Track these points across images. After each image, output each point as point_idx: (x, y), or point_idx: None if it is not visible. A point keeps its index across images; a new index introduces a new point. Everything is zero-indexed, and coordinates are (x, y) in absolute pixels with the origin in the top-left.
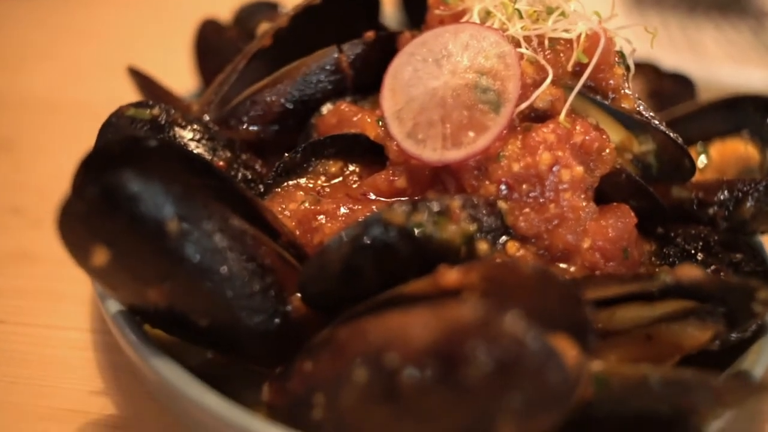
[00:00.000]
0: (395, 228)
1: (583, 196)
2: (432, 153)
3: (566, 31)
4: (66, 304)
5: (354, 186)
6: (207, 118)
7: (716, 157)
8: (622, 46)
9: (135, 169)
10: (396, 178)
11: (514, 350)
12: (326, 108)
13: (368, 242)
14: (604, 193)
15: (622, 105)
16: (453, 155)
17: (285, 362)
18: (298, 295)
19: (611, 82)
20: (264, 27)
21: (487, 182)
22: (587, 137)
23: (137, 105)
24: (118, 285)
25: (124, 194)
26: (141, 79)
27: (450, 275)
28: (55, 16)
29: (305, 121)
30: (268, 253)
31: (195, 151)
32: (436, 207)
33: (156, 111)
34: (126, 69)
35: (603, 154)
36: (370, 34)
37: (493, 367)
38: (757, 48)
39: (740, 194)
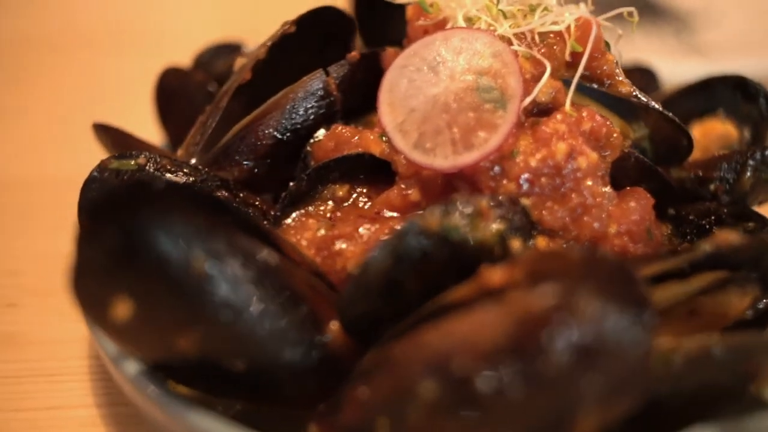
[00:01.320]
0: (433, 234)
1: (601, 183)
2: (444, 160)
3: (555, 23)
4: (65, 383)
5: (366, 207)
6: (194, 161)
7: (699, 138)
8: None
9: (153, 210)
10: (409, 192)
11: (595, 331)
12: (321, 133)
13: (408, 252)
14: (615, 179)
15: (620, 90)
16: (467, 158)
17: (326, 398)
18: (334, 323)
19: (605, 68)
20: (241, 62)
21: (505, 181)
22: (594, 123)
23: (120, 156)
24: (142, 339)
25: (146, 237)
26: (110, 135)
27: (495, 274)
28: None
29: (299, 150)
30: (298, 283)
31: None
32: (468, 208)
33: (141, 160)
34: (91, 127)
35: (611, 139)
36: (354, 54)
37: (573, 352)
38: (682, 47)
39: (739, 166)
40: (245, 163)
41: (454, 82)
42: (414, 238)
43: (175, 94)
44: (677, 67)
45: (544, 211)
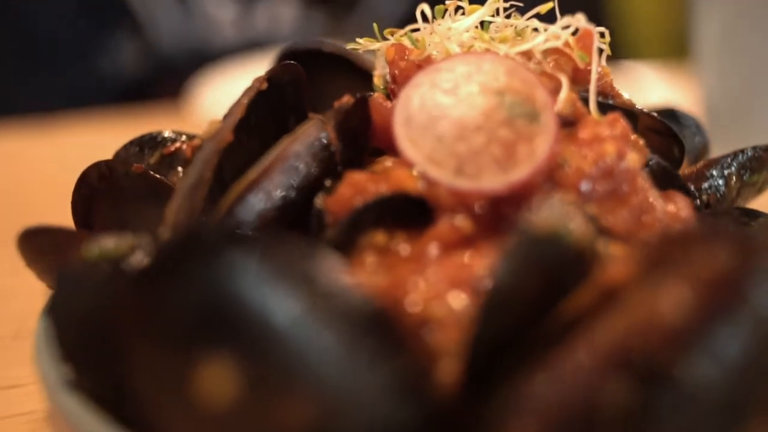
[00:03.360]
0: (547, 240)
1: (649, 182)
2: (493, 181)
3: (548, 40)
4: None
5: (409, 250)
6: None
7: None
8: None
9: (235, 253)
10: (460, 224)
11: None
12: (331, 184)
13: (530, 264)
14: None
15: (621, 101)
16: (520, 173)
17: None
18: (444, 365)
19: (604, 80)
20: (213, 125)
21: (561, 194)
22: (623, 127)
23: (99, 240)
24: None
25: (240, 288)
26: (52, 237)
27: (616, 270)
28: None
29: (305, 208)
30: (392, 329)
31: None
32: (565, 209)
33: (132, 240)
34: (18, 240)
35: (637, 144)
36: (348, 99)
37: None
38: None
39: (726, 171)
40: (249, 230)
41: (479, 101)
42: (533, 246)
43: (101, 192)
44: None
45: (609, 216)
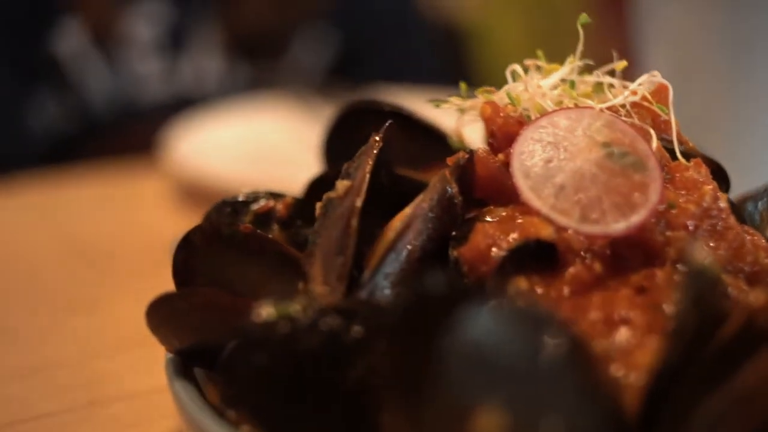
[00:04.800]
0: (705, 274)
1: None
2: (617, 225)
3: (631, 94)
4: None
5: (544, 293)
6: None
7: None
8: None
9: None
10: (594, 265)
11: None
12: (463, 236)
13: (698, 297)
14: None
15: (691, 147)
16: (639, 216)
17: None
18: (628, 395)
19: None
20: (343, 185)
21: (669, 233)
22: (705, 170)
23: (274, 302)
24: None
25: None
26: (177, 304)
27: (761, 297)
28: None
29: (436, 259)
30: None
31: None
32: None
33: (303, 301)
34: (152, 303)
35: (716, 184)
36: (463, 155)
37: None
38: None
39: (759, 204)
40: (397, 288)
41: (590, 153)
42: (699, 279)
43: (205, 253)
44: None
45: (716, 251)
